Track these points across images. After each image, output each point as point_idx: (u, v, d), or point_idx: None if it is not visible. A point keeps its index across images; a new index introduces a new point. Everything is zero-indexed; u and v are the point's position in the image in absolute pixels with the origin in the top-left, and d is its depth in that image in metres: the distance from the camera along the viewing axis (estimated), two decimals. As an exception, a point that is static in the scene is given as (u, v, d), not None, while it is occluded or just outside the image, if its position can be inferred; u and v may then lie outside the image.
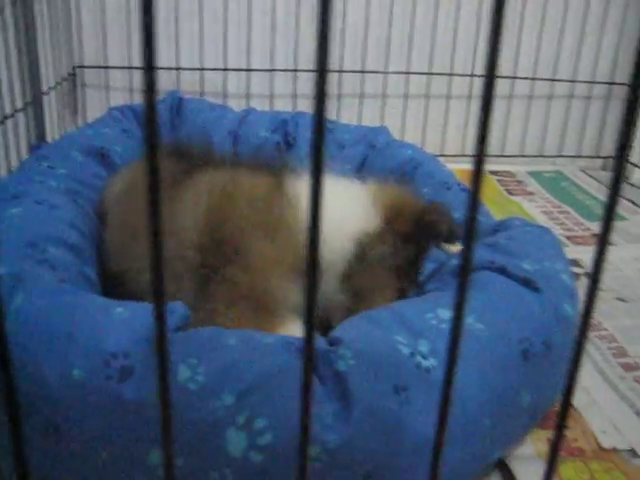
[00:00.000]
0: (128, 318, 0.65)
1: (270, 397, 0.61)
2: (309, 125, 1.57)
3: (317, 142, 0.27)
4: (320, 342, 0.68)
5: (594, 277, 0.30)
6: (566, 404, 0.33)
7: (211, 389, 0.61)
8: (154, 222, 0.28)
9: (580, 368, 0.33)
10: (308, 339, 0.27)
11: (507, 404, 0.73)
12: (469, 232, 0.27)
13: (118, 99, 1.80)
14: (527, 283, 0.81)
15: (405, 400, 0.63)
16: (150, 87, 0.25)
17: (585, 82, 2.03)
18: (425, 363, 0.66)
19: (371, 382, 0.63)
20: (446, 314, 0.73)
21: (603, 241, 0.29)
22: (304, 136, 1.55)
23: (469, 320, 0.73)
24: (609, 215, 0.28)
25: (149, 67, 0.25)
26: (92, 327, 0.63)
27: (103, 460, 0.62)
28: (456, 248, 1.12)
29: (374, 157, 1.52)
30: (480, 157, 0.26)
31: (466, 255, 0.27)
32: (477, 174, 0.26)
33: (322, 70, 0.24)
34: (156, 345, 0.30)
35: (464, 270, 0.27)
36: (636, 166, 2.00)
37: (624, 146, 0.28)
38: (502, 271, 0.83)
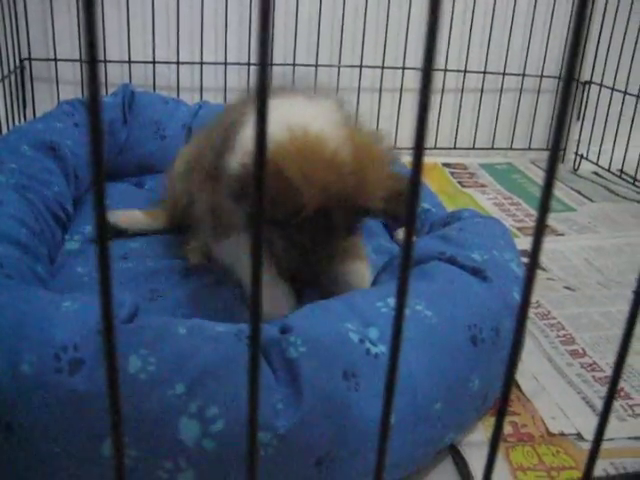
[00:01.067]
0: (77, 310, 0.64)
1: (221, 385, 0.61)
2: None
3: (260, 140, 0.27)
4: (271, 330, 0.69)
5: (532, 262, 0.31)
6: (508, 386, 0.34)
7: (162, 378, 0.61)
8: (101, 234, 0.28)
9: (520, 350, 0.34)
10: (254, 324, 0.28)
11: (457, 388, 0.74)
12: (409, 219, 0.27)
13: (68, 92, 1.77)
14: (476, 272, 0.83)
15: (355, 386, 0.65)
16: (92, 79, 0.25)
17: (534, 76, 2.07)
18: (374, 349, 0.67)
19: (321, 368, 0.64)
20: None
21: (540, 229, 0.30)
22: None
23: (418, 307, 0.75)
24: (545, 203, 0.29)
25: (91, 60, 0.25)
26: (41, 320, 0.63)
27: (56, 455, 0.61)
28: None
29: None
30: (419, 149, 0.26)
31: (407, 242, 0.28)
32: (416, 165, 0.27)
33: (263, 64, 0.24)
34: (104, 336, 0.30)
35: (406, 252, 0.28)
36: (584, 158, 2.05)
37: (557, 140, 0.29)
38: (452, 261, 0.85)
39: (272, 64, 1.87)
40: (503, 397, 0.34)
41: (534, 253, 0.31)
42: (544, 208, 0.30)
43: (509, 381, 0.35)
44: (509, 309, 0.83)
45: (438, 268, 0.84)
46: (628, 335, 0.35)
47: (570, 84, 0.29)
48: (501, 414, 0.36)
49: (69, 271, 1.06)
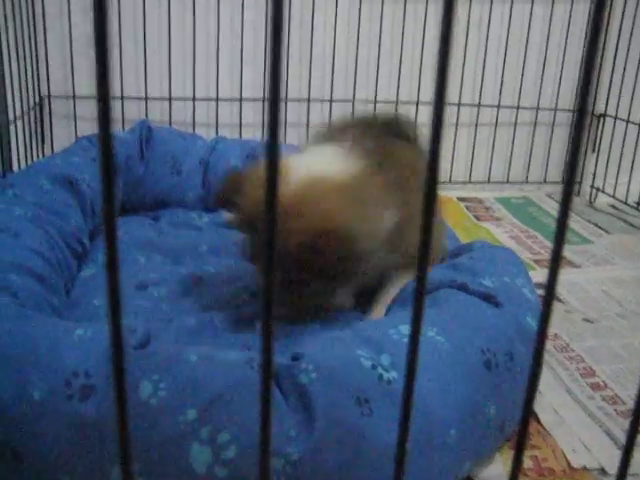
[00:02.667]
0: (89, 337, 0.64)
1: (233, 410, 0.60)
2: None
3: (271, 175, 0.27)
4: (282, 357, 0.68)
5: (548, 292, 0.30)
6: (527, 413, 0.33)
7: (173, 404, 0.61)
8: (110, 252, 0.28)
9: (537, 382, 0.33)
10: (266, 349, 0.27)
11: (472, 415, 0.73)
12: (424, 243, 0.27)
13: (86, 129, 1.79)
14: (488, 298, 0.82)
15: (368, 412, 0.64)
16: (105, 117, 0.25)
17: (548, 109, 2.07)
18: (387, 375, 0.67)
19: (333, 394, 0.63)
20: (407, 329, 0.73)
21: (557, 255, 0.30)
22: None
23: (430, 333, 0.74)
24: (561, 232, 0.29)
25: (103, 97, 0.25)
26: (52, 347, 0.63)
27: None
28: None
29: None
30: (432, 182, 0.26)
31: (421, 268, 0.27)
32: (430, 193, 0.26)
33: (274, 99, 0.24)
34: (114, 360, 0.30)
35: (421, 275, 0.28)
36: (600, 190, 2.04)
37: (572, 167, 0.28)
38: (463, 288, 0.84)
39: (287, 99, 1.89)
40: (521, 429, 0.33)
41: (550, 283, 0.30)
42: (559, 240, 0.29)
43: (527, 413, 0.34)
44: (522, 334, 0.82)
45: (449, 295, 0.83)
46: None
47: (584, 117, 0.29)
48: (520, 448, 0.35)
49: (86, 303, 1.06)
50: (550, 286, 0.33)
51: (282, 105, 1.89)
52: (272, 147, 0.26)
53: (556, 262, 0.32)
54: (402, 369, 0.67)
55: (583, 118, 0.30)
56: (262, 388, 0.31)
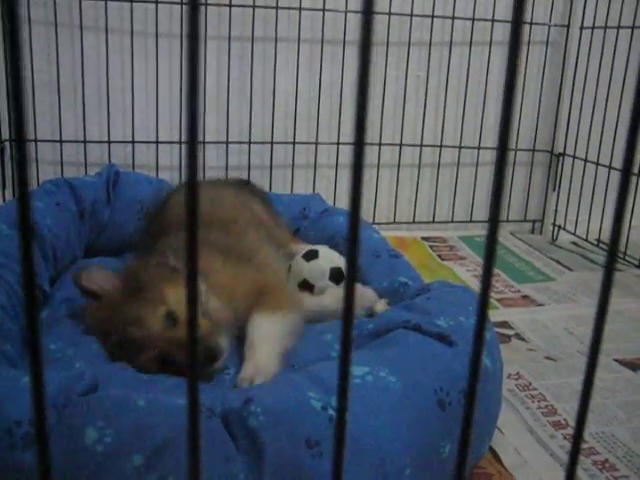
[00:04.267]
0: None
1: (180, 456, 0.59)
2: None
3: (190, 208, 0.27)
4: (235, 401, 0.67)
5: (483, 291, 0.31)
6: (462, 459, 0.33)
7: (120, 450, 0.59)
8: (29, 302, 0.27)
9: (471, 422, 0.32)
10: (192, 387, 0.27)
11: (427, 454, 0.73)
12: (350, 278, 0.27)
13: (47, 173, 1.78)
14: (441, 338, 0.82)
15: (317, 453, 0.63)
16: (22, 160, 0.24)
17: (509, 150, 2.11)
18: (336, 415, 0.66)
19: (283, 436, 0.63)
20: (360, 370, 0.73)
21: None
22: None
23: (382, 374, 0.74)
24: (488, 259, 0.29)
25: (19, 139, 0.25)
26: (-4, 397, 0.61)
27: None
28: (383, 307, 1.14)
29: (308, 227, 1.55)
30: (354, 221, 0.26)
31: (349, 292, 0.27)
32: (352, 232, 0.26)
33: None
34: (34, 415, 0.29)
35: (347, 311, 0.27)
36: (562, 228, 2.07)
37: (496, 206, 0.29)
38: (417, 329, 0.84)
39: (251, 142, 1.90)
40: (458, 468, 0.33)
41: (482, 302, 0.30)
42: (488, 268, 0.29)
43: (463, 456, 0.33)
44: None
45: (402, 336, 0.83)
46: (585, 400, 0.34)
47: (504, 155, 0.29)
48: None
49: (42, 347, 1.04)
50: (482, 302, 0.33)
51: (247, 147, 1.90)
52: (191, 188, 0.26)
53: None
54: (353, 410, 0.67)
55: (503, 157, 0.31)
56: (188, 436, 0.31)
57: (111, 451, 0.59)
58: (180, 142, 1.86)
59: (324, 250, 1.28)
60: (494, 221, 0.29)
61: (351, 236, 0.26)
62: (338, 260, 1.26)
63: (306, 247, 1.32)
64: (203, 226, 1.17)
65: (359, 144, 0.26)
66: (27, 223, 0.26)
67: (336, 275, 1.22)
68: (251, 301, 1.06)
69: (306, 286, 1.22)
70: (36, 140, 1.78)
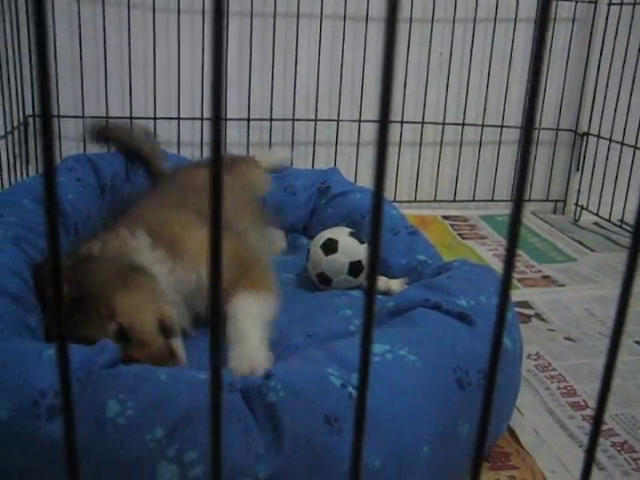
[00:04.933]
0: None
1: (200, 429, 0.60)
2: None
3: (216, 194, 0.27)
4: (254, 377, 0.68)
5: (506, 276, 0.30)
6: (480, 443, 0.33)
7: (141, 423, 0.60)
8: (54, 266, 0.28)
9: (490, 404, 0.32)
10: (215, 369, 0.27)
11: (445, 433, 0.73)
12: (373, 255, 0.27)
13: (70, 148, 1.79)
14: (462, 317, 0.82)
15: (337, 430, 0.63)
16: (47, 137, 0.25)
17: (533, 128, 2.08)
18: (357, 394, 0.66)
19: (302, 413, 0.63)
20: (380, 348, 0.73)
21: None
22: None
23: (402, 352, 0.74)
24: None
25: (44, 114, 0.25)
26: (20, 368, 0.62)
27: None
28: (400, 287, 1.14)
29: (326, 204, 1.55)
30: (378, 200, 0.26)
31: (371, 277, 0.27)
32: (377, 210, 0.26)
33: (216, 118, 0.24)
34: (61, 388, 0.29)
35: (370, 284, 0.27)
36: (584, 209, 2.05)
37: (521, 186, 0.29)
38: (436, 307, 0.84)
39: (272, 119, 1.90)
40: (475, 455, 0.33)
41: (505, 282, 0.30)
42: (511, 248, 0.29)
43: (481, 437, 0.33)
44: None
45: (422, 314, 0.83)
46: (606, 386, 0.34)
47: (530, 133, 0.29)
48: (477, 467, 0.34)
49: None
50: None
51: (268, 124, 1.90)
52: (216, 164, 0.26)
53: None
54: (372, 387, 0.67)
55: (530, 135, 0.31)
56: (211, 405, 0.31)
57: (132, 424, 0.60)
58: (202, 118, 1.87)
59: (343, 241, 1.21)
60: (519, 201, 0.29)
61: (374, 222, 0.26)
62: (357, 252, 1.20)
63: (325, 233, 1.24)
64: (180, 191, 1.17)
65: (382, 130, 0.26)
66: (53, 199, 0.26)
67: (355, 269, 1.20)
68: (230, 275, 1.00)
69: (324, 279, 1.21)
70: (59, 116, 1.79)
